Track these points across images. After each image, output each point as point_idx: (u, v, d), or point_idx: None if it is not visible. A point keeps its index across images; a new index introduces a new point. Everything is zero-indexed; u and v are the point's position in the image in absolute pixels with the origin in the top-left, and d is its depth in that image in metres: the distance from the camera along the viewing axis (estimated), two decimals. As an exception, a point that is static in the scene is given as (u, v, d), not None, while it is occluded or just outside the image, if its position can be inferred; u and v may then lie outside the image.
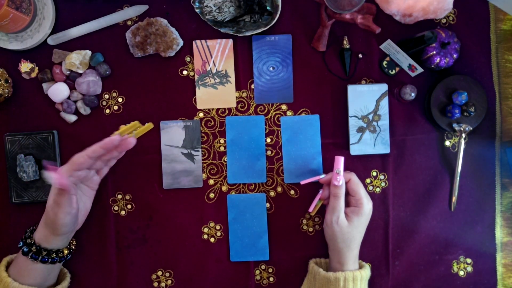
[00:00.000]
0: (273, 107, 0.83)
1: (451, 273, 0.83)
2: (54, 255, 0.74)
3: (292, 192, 0.83)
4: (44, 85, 0.82)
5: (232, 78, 0.83)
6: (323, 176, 0.78)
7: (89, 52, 0.82)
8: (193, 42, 0.83)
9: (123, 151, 0.75)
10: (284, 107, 0.83)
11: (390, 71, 0.82)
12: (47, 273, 0.75)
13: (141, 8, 0.82)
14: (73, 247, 0.79)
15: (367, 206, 0.75)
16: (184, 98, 0.83)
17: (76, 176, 0.72)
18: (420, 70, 0.79)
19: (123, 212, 0.83)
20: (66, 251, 0.76)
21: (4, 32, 0.80)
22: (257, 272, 0.84)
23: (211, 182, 0.83)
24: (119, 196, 0.83)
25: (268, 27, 0.78)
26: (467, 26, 0.82)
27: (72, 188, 0.70)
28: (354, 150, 0.81)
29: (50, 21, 0.81)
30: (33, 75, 0.82)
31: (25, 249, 0.73)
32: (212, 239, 0.84)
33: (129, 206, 0.84)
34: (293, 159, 0.83)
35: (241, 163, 0.83)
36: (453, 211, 0.83)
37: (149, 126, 0.75)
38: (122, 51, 0.83)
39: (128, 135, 0.73)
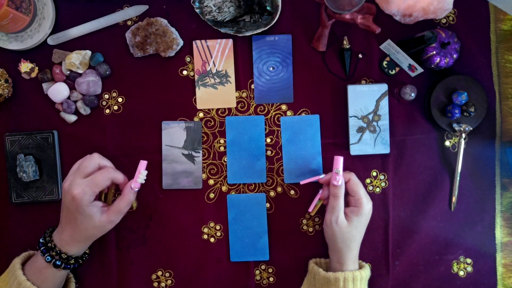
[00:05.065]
0: (273, 107, 0.83)
1: (451, 273, 0.83)
2: (73, 261, 0.74)
3: (292, 192, 0.83)
4: (44, 85, 0.82)
5: (232, 78, 0.83)
6: (322, 176, 0.78)
7: (89, 52, 0.82)
8: (193, 42, 0.83)
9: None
10: (284, 107, 0.83)
11: (390, 71, 0.82)
12: (62, 279, 0.76)
13: (141, 8, 0.82)
14: (86, 255, 0.79)
15: (367, 206, 0.75)
16: (184, 98, 0.83)
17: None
18: (420, 70, 0.79)
19: (123, 212, 0.83)
20: (86, 255, 0.78)
21: (4, 32, 0.80)
22: (257, 272, 0.84)
23: (211, 182, 0.83)
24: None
25: (268, 27, 0.78)
26: (467, 26, 0.82)
27: None
28: (354, 150, 0.81)
29: (50, 21, 0.81)
30: (33, 75, 0.82)
31: (58, 263, 0.73)
32: (212, 239, 0.83)
33: (129, 206, 0.84)
34: (293, 159, 0.83)
35: (241, 163, 0.83)
36: (453, 211, 0.83)
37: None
38: (122, 51, 0.83)
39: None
